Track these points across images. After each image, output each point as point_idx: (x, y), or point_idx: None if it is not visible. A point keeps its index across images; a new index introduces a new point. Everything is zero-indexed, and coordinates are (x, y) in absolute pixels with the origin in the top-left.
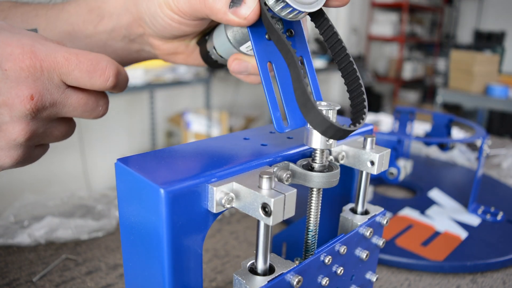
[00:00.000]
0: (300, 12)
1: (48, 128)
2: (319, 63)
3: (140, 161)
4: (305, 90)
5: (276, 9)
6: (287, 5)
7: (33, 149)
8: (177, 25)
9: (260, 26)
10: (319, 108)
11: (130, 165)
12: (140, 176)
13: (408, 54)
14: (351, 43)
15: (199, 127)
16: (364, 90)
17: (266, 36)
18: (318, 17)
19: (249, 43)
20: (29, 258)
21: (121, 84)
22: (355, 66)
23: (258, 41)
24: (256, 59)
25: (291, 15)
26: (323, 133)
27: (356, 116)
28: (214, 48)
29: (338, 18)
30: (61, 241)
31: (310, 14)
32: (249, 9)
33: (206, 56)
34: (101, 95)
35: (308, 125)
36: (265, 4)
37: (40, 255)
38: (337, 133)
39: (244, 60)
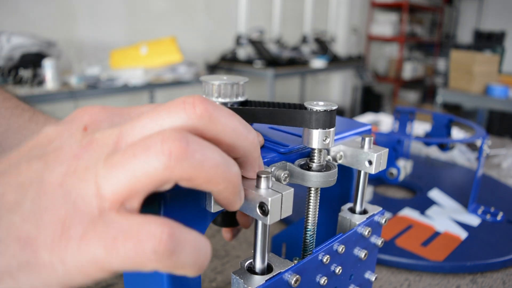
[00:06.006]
0: None
1: None
2: (319, 63)
3: None
4: (291, 112)
5: None
6: None
7: None
8: None
9: None
10: (316, 108)
11: None
12: None
13: (408, 54)
14: (351, 43)
15: None
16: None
17: None
18: None
19: None
20: None
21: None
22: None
23: None
24: None
25: None
26: (330, 124)
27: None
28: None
29: (338, 18)
30: None
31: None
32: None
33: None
34: None
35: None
36: None
37: None
38: (331, 117)
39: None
